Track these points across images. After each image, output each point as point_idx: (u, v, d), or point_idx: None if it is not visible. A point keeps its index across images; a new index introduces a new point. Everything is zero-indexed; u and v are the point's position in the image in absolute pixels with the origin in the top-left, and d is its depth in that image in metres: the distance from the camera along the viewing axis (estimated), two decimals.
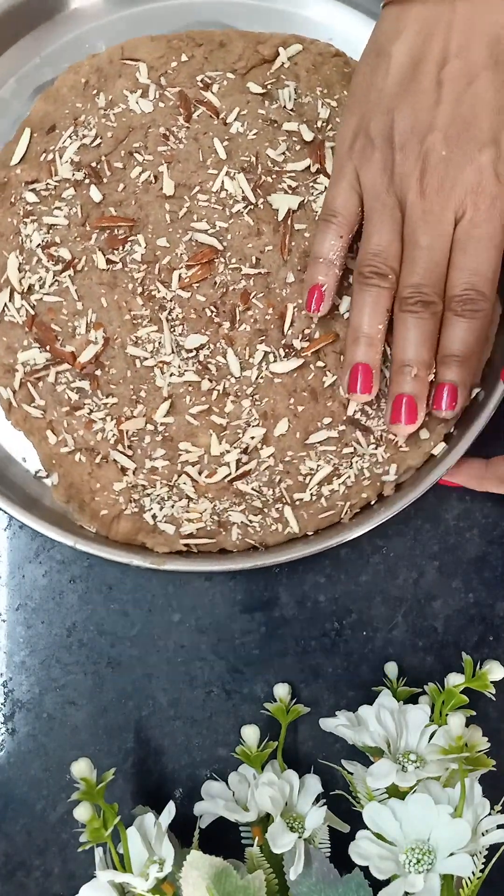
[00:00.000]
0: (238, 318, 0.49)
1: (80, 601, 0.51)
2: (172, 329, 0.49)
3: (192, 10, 0.54)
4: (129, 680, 0.51)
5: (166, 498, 0.48)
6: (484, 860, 0.44)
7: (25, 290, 0.49)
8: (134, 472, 0.48)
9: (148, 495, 0.48)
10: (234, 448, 0.48)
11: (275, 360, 0.49)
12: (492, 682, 0.47)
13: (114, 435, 0.48)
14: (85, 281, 0.49)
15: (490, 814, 0.44)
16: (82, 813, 0.42)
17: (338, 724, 0.47)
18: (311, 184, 0.50)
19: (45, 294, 0.49)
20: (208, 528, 0.48)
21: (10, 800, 0.50)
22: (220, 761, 0.50)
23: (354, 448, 0.48)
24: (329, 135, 0.51)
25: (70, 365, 0.49)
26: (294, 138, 0.50)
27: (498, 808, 0.45)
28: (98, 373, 0.49)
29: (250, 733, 0.47)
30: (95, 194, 0.50)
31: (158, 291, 0.49)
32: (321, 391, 0.48)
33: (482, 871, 0.44)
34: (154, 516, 0.48)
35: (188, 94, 0.51)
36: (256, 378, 0.49)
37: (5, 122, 0.53)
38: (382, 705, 0.46)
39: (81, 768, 0.43)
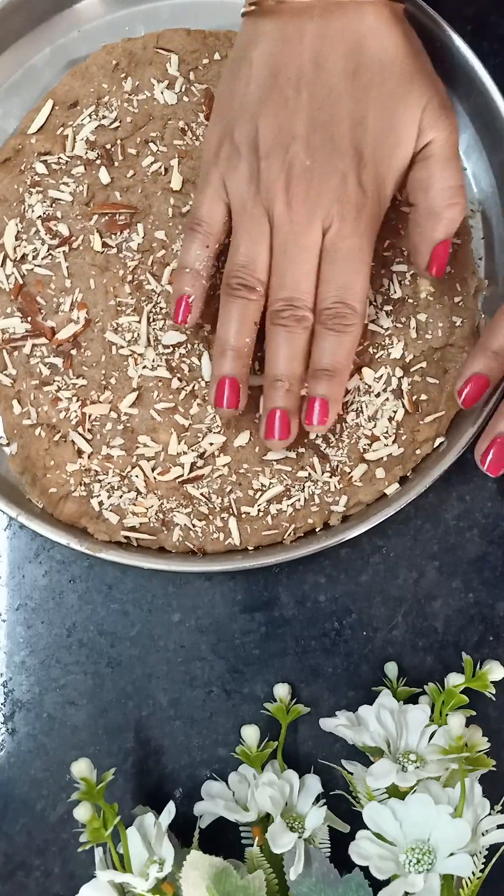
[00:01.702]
0: None
1: (80, 601, 0.51)
2: (154, 322, 0.49)
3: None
4: (129, 680, 0.51)
5: (116, 487, 0.48)
6: (484, 860, 0.44)
7: (18, 259, 0.50)
8: (89, 456, 0.48)
9: (99, 481, 0.48)
10: (192, 451, 0.48)
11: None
12: (492, 682, 0.47)
13: (76, 416, 0.48)
14: (77, 260, 0.50)
15: (490, 814, 0.44)
16: (82, 813, 0.42)
17: (338, 724, 0.47)
18: None
19: (36, 265, 0.50)
20: (151, 525, 0.48)
21: (10, 800, 0.50)
22: (220, 761, 0.50)
23: (309, 473, 0.48)
24: None
25: (48, 340, 0.49)
26: None
27: (498, 808, 0.45)
28: (73, 352, 0.49)
29: (250, 733, 0.47)
30: (104, 176, 0.50)
31: (148, 283, 0.49)
32: None
33: (482, 871, 0.44)
34: (101, 503, 0.48)
35: (214, 92, 0.51)
36: None
37: (34, 91, 0.53)
38: (382, 705, 0.46)
39: (81, 768, 0.43)
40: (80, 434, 0.48)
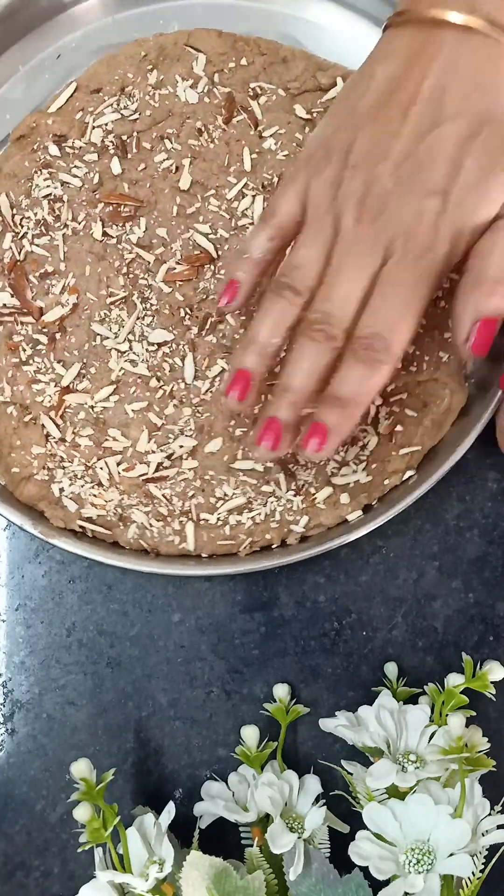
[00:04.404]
0: (207, 328, 0.49)
1: (80, 601, 0.51)
2: (142, 318, 0.49)
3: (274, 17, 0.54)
4: (129, 680, 0.51)
5: (79, 476, 0.48)
6: (484, 860, 0.44)
7: (20, 236, 0.50)
8: (57, 442, 0.48)
9: (63, 468, 0.48)
10: (161, 451, 0.48)
11: None
12: (492, 682, 0.47)
13: (51, 401, 0.48)
14: (76, 245, 0.50)
15: (490, 814, 0.44)
16: (82, 813, 0.42)
17: (337, 724, 0.47)
18: None
19: (35, 245, 0.50)
20: (109, 518, 0.48)
21: (10, 800, 0.50)
22: (220, 761, 0.50)
23: (274, 489, 0.48)
24: None
25: (34, 320, 0.49)
26: None
27: (498, 808, 0.45)
28: (58, 336, 0.49)
29: (250, 734, 0.47)
30: (116, 166, 0.50)
31: (142, 278, 0.49)
32: None
33: (482, 871, 0.44)
34: (61, 489, 0.48)
35: (236, 97, 0.51)
36: (206, 391, 0.49)
37: (60, 71, 0.54)
38: (382, 705, 0.46)
39: (81, 769, 0.43)
40: (51, 419, 0.48)
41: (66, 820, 0.50)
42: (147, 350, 0.49)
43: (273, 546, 0.48)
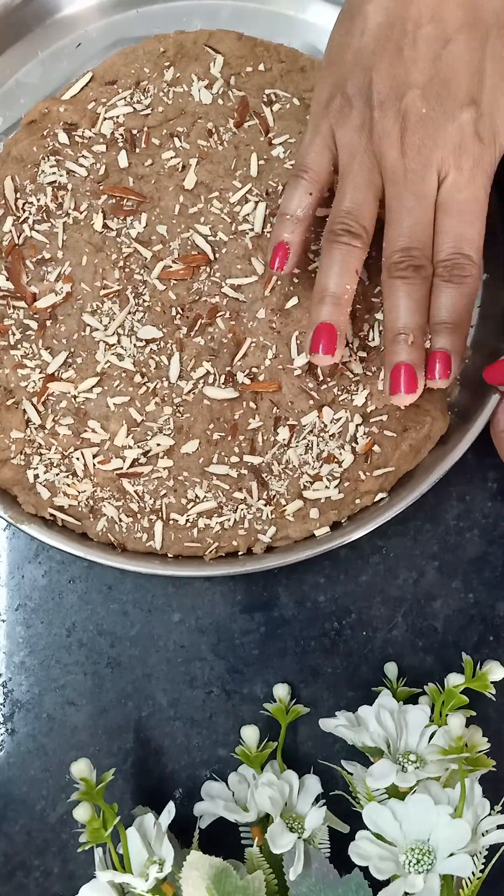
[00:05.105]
0: (196, 329, 0.49)
1: (80, 601, 0.51)
2: (133, 313, 0.49)
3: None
4: (129, 680, 0.51)
5: (55, 465, 0.48)
6: (484, 860, 0.44)
7: (21, 220, 0.50)
8: (36, 429, 0.48)
9: (39, 455, 0.48)
10: (138, 447, 0.48)
11: (213, 383, 0.48)
12: (492, 682, 0.47)
13: (35, 387, 0.49)
14: (75, 234, 0.50)
15: (490, 814, 0.44)
16: (82, 813, 0.42)
17: (337, 724, 0.47)
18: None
19: (34, 231, 0.50)
20: (80, 509, 0.48)
21: (10, 800, 0.50)
22: (220, 761, 0.50)
23: (245, 497, 0.48)
24: None
25: (27, 305, 0.49)
26: None
27: (498, 808, 0.45)
28: (48, 323, 0.49)
29: (250, 734, 0.47)
30: (123, 160, 0.51)
31: (138, 273, 0.49)
32: (242, 430, 0.48)
33: (482, 871, 0.44)
34: (36, 476, 0.48)
35: (250, 102, 0.51)
36: (189, 391, 0.48)
37: (78, 60, 0.54)
38: (382, 705, 0.46)
39: (81, 768, 0.43)
40: (33, 405, 0.48)
41: (66, 820, 0.50)
42: (135, 345, 0.49)
43: (239, 553, 0.48)
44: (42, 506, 0.48)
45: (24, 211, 0.50)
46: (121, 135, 0.51)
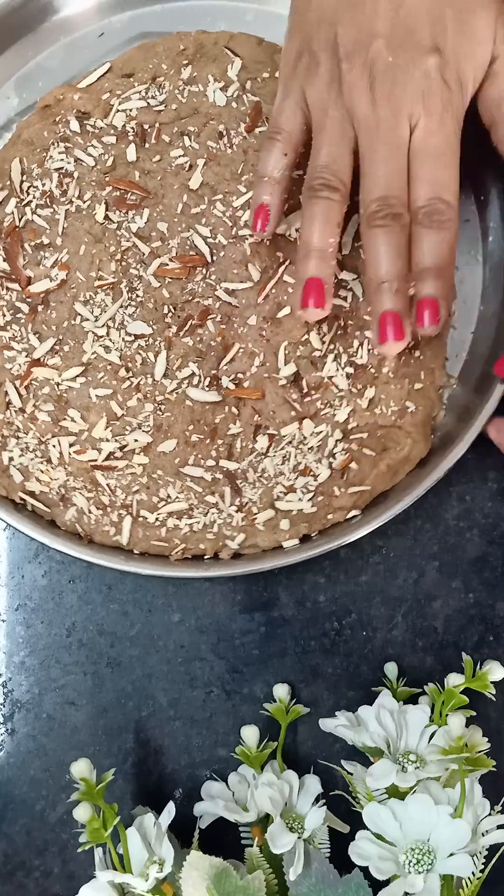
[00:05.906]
0: (186, 329, 0.49)
1: (80, 601, 0.51)
2: (125, 307, 0.49)
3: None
4: (129, 680, 0.51)
5: (30, 449, 0.48)
6: (484, 860, 0.44)
7: (25, 202, 0.50)
8: (16, 412, 0.48)
9: (17, 437, 0.48)
10: (115, 440, 0.48)
11: (197, 385, 0.48)
12: (492, 682, 0.47)
13: (20, 370, 0.49)
14: (76, 223, 0.50)
15: (490, 814, 0.44)
16: (82, 813, 0.42)
17: (337, 724, 0.47)
18: None
19: (36, 215, 0.50)
20: (50, 496, 0.48)
21: (10, 800, 0.50)
22: (220, 761, 0.50)
23: (217, 501, 0.48)
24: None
25: (21, 288, 0.49)
26: None
27: (498, 808, 0.45)
28: (40, 308, 0.49)
29: (250, 734, 0.47)
30: (131, 153, 0.51)
31: (134, 268, 0.49)
32: (221, 435, 0.48)
33: (482, 871, 0.44)
34: (11, 458, 0.48)
35: (263, 108, 0.51)
36: (172, 391, 0.49)
37: (98, 50, 0.54)
38: (382, 705, 0.46)
39: (81, 769, 0.43)
40: (15, 387, 0.48)
41: (66, 820, 0.50)
42: (123, 339, 0.49)
43: (205, 557, 0.48)
44: (14, 489, 0.48)
45: (28, 194, 0.50)
46: (132, 128, 0.51)
